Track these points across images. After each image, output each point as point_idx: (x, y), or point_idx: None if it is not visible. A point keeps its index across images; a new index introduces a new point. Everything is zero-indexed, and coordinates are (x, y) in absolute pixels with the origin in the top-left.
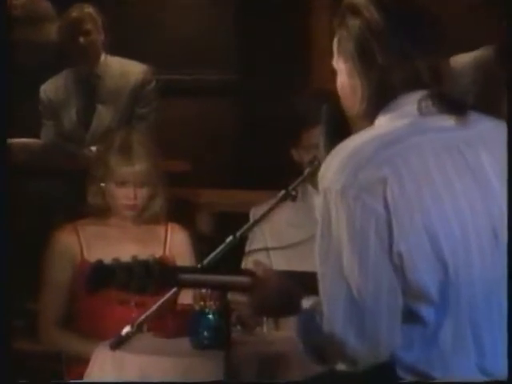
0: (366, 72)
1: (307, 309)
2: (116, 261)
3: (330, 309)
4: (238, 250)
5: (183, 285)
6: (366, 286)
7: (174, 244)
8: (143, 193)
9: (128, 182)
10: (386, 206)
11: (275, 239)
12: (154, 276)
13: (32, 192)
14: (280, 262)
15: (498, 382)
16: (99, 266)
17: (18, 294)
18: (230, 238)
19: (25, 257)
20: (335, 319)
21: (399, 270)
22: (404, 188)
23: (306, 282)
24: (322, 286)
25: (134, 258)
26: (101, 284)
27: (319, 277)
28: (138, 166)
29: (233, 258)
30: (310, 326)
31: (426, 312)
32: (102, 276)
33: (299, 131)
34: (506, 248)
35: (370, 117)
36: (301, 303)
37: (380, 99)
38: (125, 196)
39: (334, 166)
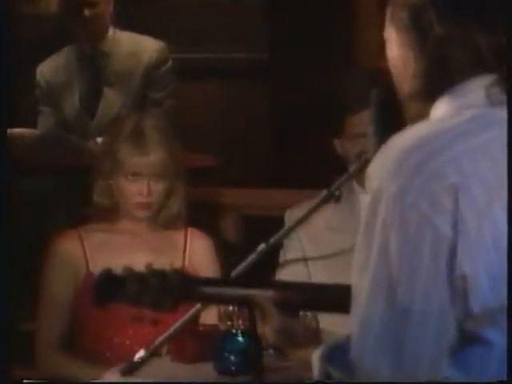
0: (420, 43)
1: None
2: (127, 270)
3: (362, 329)
4: (270, 260)
5: (206, 300)
6: (411, 309)
7: (195, 253)
8: (159, 188)
9: (141, 175)
10: (451, 222)
11: (314, 247)
12: (171, 289)
13: (27, 192)
14: (320, 273)
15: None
16: (107, 276)
17: (12, 313)
18: (262, 245)
19: (19, 268)
20: (367, 342)
21: (459, 293)
22: (473, 198)
23: (340, 297)
24: (355, 301)
25: (149, 266)
26: (109, 296)
27: (353, 289)
28: (153, 156)
29: (265, 270)
30: (335, 352)
31: (491, 337)
32: (111, 287)
33: (342, 118)
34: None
35: (425, 98)
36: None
37: (436, 77)
38: (137, 192)
39: (387, 164)
